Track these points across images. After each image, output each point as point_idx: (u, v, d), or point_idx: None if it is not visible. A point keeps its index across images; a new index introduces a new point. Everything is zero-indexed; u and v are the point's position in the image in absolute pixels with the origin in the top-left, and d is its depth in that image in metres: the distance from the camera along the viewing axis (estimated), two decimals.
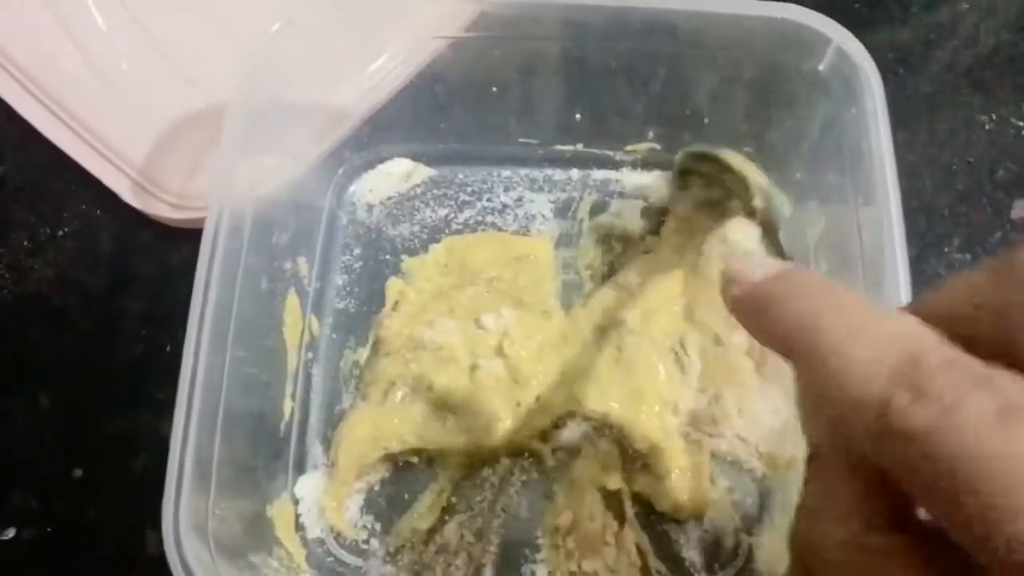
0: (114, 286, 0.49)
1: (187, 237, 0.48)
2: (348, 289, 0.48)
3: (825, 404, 0.18)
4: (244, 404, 0.39)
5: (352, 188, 0.50)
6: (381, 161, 0.51)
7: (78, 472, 0.45)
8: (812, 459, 0.20)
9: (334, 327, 0.47)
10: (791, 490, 0.41)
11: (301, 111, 0.46)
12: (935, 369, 0.16)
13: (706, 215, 0.46)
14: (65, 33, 0.52)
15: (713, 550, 0.42)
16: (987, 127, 0.51)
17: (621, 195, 0.50)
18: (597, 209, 0.50)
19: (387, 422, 0.44)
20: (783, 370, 0.44)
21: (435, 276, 0.47)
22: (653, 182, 0.50)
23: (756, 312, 0.21)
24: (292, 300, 0.45)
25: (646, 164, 0.50)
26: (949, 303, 0.18)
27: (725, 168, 0.43)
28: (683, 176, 0.47)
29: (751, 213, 0.43)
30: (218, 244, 0.37)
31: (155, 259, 0.49)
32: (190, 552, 0.33)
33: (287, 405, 0.44)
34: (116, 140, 0.49)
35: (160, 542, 0.41)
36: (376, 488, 0.44)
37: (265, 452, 0.43)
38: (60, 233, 0.50)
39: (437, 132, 0.50)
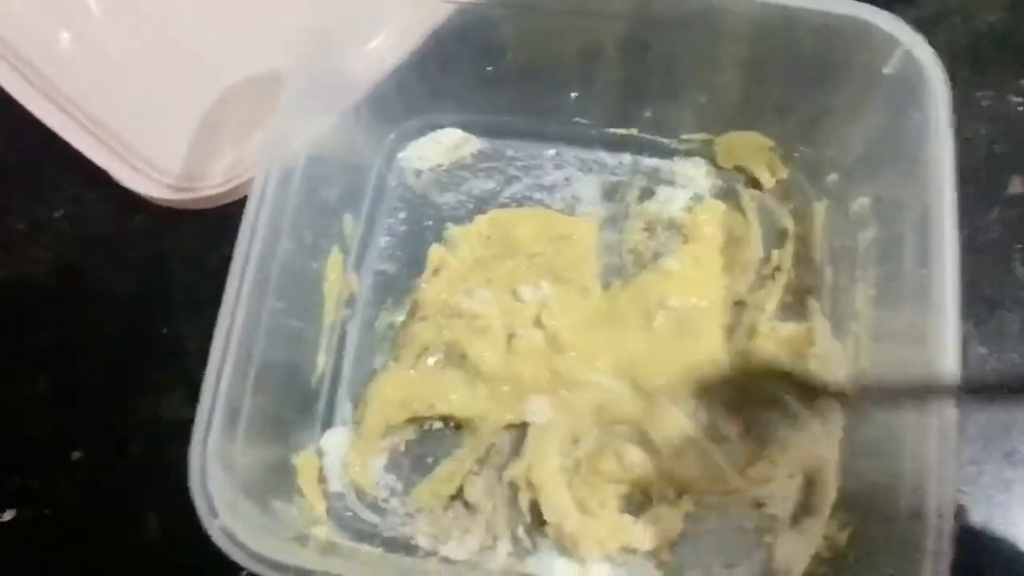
0: (110, 268, 0.49)
1: (184, 219, 0.49)
2: (390, 251, 0.49)
3: None
4: (279, 352, 0.39)
5: (402, 153, 0.51)
6: (433, 129, 0.51)
7: (77, 454, 0.45)
8: None
9: (373, 287, 0.48)
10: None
11: (350, 73, 0.46)
12: None
13: None
14: (58, 15, 0.53)
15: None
16: (983, 104, 0.51)
17: (671, 183, 0.50)
18: (645, 195, 0.49)
19: (417, 386, 0.44)
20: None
21: (478, 247, 0.48)
22: (703, 172, 0.50)
23: None
24: (336, 257, 0.45)
25: (699, 154, 0.50)
26: None
27: None
28: None
29: None
30: (266, 194, 0.38)
31: (152, 241, 0.49)
32: (214, 487, 0.33)
33: (321, 359, 0.44)
34: (111, 122, 0.50)
35: (158, 525, 0.44)
36: (401, 449, 0.45)
37: (295, 403, 0.43)
38: (56, 216, 0.51)
39: (492, 104, 0.50)
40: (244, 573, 0.41)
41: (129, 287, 0.49)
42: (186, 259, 0.49)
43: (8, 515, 0.45)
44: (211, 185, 0.48)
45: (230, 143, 0.50)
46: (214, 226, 0.48)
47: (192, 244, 0.49)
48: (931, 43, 0.39)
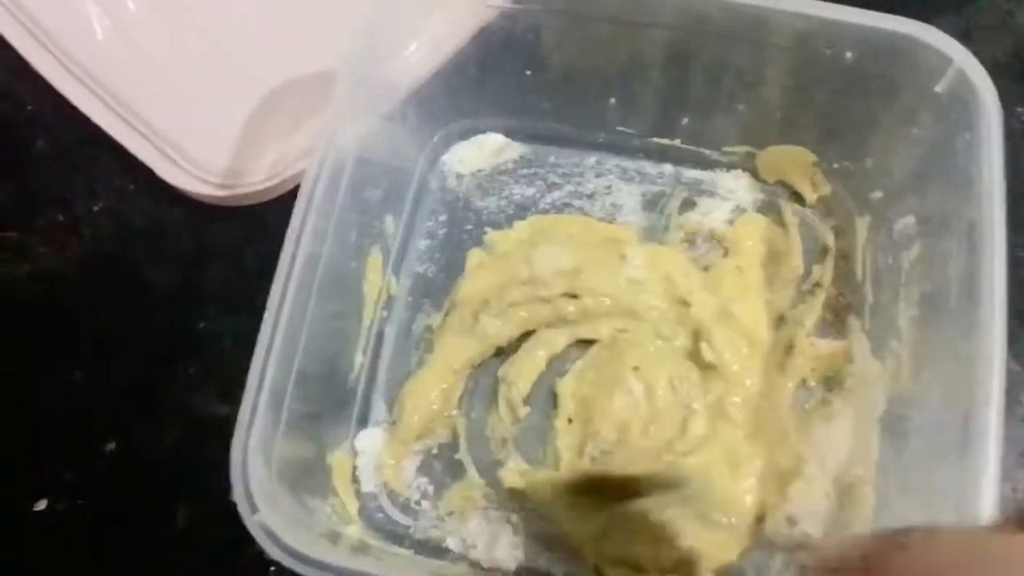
0: (148, 262, 0.50)
1: (220, 216, 0.49)
2: (429, 254, 0.49)
3: None
4: (319, 352, 0.40)
5: (445, 156, 0.51)
6: (476, 133, 0.51)
7: (111, 445, 0.46)
8: None
9: (412, 289, 0.48)
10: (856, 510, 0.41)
11: (396, 75, 0.46)
12: None
13: None
14: (102, 9, 0.53)
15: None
16: None
17: (713, 195, 0.50)
18: (687, 206, 0.49)
19: (452, 387, 0.44)
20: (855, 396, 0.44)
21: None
22: (746, 185, 0.49)
23: None
24: (375, 257, 0.45)
25: (741, 166, 0.50)
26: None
27: None
28: None
29: None
30: (316, 193, 0.38)
31: (189, 236, 0.50)
32: (255, 482, 0.33)
33: (358, 359, 0.45)
34: (151, 116, 0.50)
35: (189, 517, 0.44)
36: (434, 451, 0.45)
37: (332, 401, 0.43)
38: (95, 208, 0.51)
39: (535, 110, 0.50)
40: (273, 569, 0.42)
41: (166, 281, 0.49)
42: (223, 255, 0.49)
43: (41, 505, 0.45)
44: (252, 183, 0.48)
45: (272, 142, 0.50)
46: (251, 223, 0.49)
47: (229, 241, 0.49)
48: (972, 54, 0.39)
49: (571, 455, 0.43)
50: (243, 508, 0.33)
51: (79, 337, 0.48)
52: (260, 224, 0.48)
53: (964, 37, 0.41)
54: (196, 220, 0.50)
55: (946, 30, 0.40)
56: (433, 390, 0.45)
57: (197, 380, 0.47)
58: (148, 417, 0.46)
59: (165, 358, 0.47)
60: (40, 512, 0.45)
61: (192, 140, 0.50)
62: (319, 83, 0.41)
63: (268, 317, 0.36)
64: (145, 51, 0.53)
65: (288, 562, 0.33)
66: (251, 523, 0.33)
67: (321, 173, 0.38)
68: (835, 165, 0.48)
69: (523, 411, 0.44)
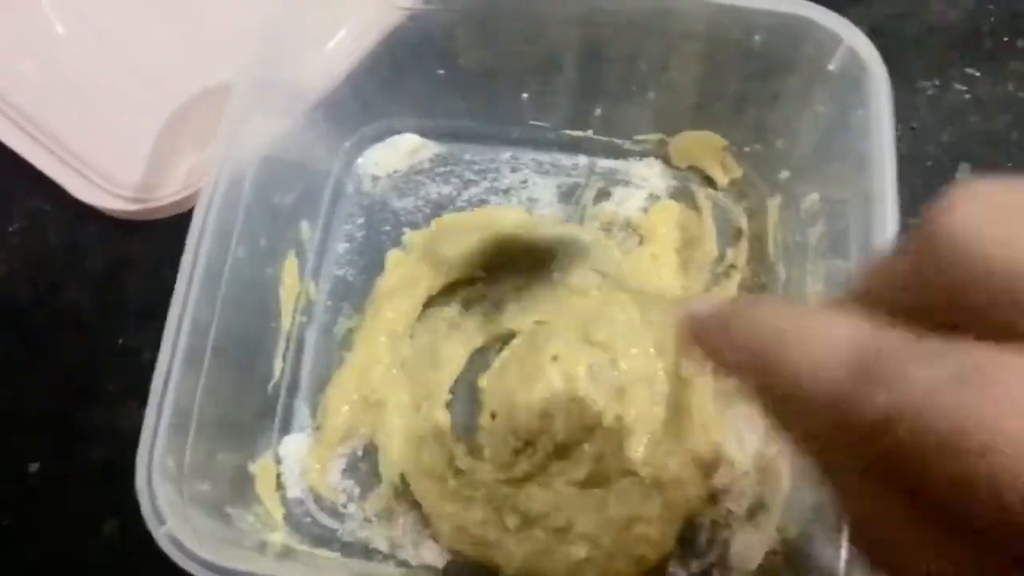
0: (65, 281, 0.49)
1: (137, 230, 0.49)
2: (348, 257, 0.49)
3: (788, 416, 0.19)
4: (233, 357, 0.40)
5: (360, 159, 0.51)
6: (390, 134, 0.51)
7: (34, 465, 0.45)
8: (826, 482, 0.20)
9: (331, 293, 0.48)
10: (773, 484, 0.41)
11: (304, 78, 0.46)
12: (884, 353, 0.16)
13: None
14: (13, 32, 0.53)
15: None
16: (929, 92, 0.52)
17: (627, 184, 0.50)
18: (602, 196, 0.50)
19: (371, 375, 0.45)
20: None
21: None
22: (658, 172, 0.50)
23: (712, 338, 0.21)
24: (291, 262, 0.45)
25: (654, 154, 0.50)
26: (881, 289, 0.18)
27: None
28: None
29: None
30: (215, 197, 0.38)
31: (105, 253, 0.49)
32: (161, 493, 0.33)
33: (278, 365, 0.45)
34: (61, 134, 0.50)
35: (119, 527, 0.43)
36: (359, 453, 0.45)
37: (252, 409, 0.43)
38: (9, 229, 0.50)
39: (448, 109, 0.50)
40: None
41: (85, 298, 0.49)
42: (141, 270, 0.49)
43: None
44: (166, 196, 0.48)
45: (184, 154, 0.50)
46: (168, 237, 0.47)
47: (147, 255, 0.49)
48: (880, 33, 0.40)
49: (495, 450, 0.43)
50: (150, 520, 0.33)
51: (0, 358, 0.48)
52: (176, 237, 0.47)
53: (876, 17, 0.43)
54: (112, 236, 0.49)
55: (857, 12, 0.40)
56: (355, 390, 0.45)
57: (118, 395, 0.46)
58: (71, 434, 0.46)
59: (86, 375, 0.47)
60: None
61: (103, 156, 0.49)
62: (228, 94, 0.40)
63: (169, 326, 0.36)
64: (53, 68, 0.52)
65: (201, 573, 0.33)
66: (159, 534, 0.33)
67: (220, 179, 0.38)
68: (745, 148, 0.48)
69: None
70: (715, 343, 0.21)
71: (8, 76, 0.51)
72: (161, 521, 0.33)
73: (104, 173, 0.49)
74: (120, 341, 0.47)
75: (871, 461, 0.17)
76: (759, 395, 0.20)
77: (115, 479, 0.43)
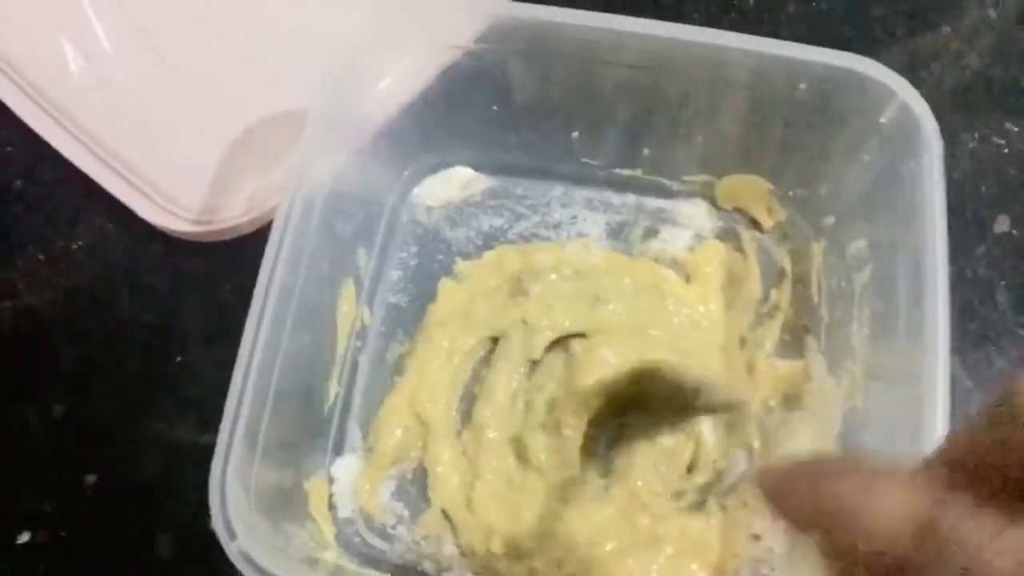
0: (126, 298, 0.51)
1: (197, 252, 0.50)
2: (402, 284, 0.50)
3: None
4: (294, 381, 0.41)
5: (415, 190, 0.52)
6: (445, 167, 0.53)
7: (91, 478, 0.47)
8: None
9: (385, 319, 0.49)
10: None
11: (367, 111, 0.48)
12: (951, 523, 0.17)
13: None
14: (77, 49, 0.55)
15: None
16: (970, 145, 0.53)
17: (674, 223, 0.51)
18: (649, 234, 0.51)
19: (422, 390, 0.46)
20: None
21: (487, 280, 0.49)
22: (704, 213, 0.51)
23: (786, 494, 0.22)
24: (349, 288, 0.47)
25: (700, 195, 0.52)
26: (963, 453, 0.19)
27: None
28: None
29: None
30: (289, 226, 0.39)
31: (167, 272, 0.51)
32: (233, 509, 0.34)
33: (333, 388, 0.46)
34: (128, 154, 0.51)
35: (171, 541, 0.45)
36: (408, 476, 0.46)
37: (308, 430, 0.44)
38: (74, 247, 0.52)
39: (501, 144, 0.52)
40: None
41: (145, 316, 0.50)
42: (200, 290, 0.50)
43: (24, 537, 0.45)
44: (228, 219, 0.50)
45: (247, 178, 0.52)
46: (228, 258, 0.50)
47: (206, 276, 0.51)
48: (919, 84, 0.41)
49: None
50: (222, 535, 0.34)
51: (59, 372, 0.49)
52: (236, 259, 0.49)
53: (915, 67, 0.44)
54: (173, 256, 0.51)
55: (894, 63, 0.42)
56: (406, 414, 0.46)
57: (176, 412, 0.48)
58: (128, 449, 0.47)
59: (144, 391, 0.48)
60: (23, 544, 0.45)
61: (168, 177, 0.51)
62: (293, 120, 0.42)
63: (244, 348, 0.37)
64: (121, 89, 0.54)
65: None
66: (231, 550, 0.34)
67: (293, 208, 0.39)
68: (790, 192, 0.50)
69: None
70: (787, 500, 0.22)
71: (79, 100, 0.53)
72: (232, 536, 0.34)
73: (168, 195, 0.50)
74: (178, 359, 0.49)
75: None
76: (825, 547, 0.21)
77: (170, 494, 0.45)
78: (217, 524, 0.34)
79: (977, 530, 0.17)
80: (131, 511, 0.46)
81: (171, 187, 0.51)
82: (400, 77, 0.47)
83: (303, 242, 0.40)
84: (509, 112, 0.50)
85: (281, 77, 0.52)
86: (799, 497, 0.21)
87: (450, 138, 0.51)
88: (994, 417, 0.18)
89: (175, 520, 0.45)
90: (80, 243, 0.52)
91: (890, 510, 0.19)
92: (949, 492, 0.18)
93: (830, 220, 0.48)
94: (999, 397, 0.18)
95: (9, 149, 0.54)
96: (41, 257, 0.52)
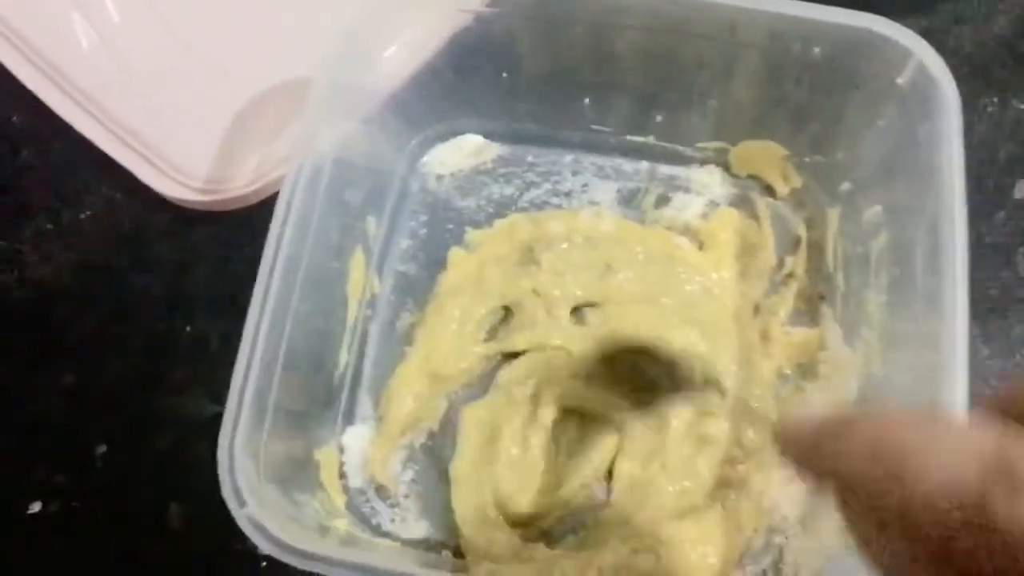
0: (135, 268, 0.50)
1: (205, 221, 0.50)
2: (411, 253, 0.50)
3: (905, 518, 0.19)
4: (303, 350, 0.41)
5: (425, 158, 0.52)
6: (455, 135, 0.52)
7: (102, 448, 0.47)
8: None
9: (395, 288, 0.49)
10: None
11: (373, 78, 0.47)
12: (1017, 463, 0.17)
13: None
14: (86, 19, 0.54)
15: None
16: (989, 110, 0.52)
17: (687, 190, 0.51)
18: (662, 201, 0.50)
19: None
20: None
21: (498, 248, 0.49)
22: (719, 180, 0.51)
23: (817, 447, 0.22)
24: (358, 257, 0.46)
25: (714, 162, 0.51)
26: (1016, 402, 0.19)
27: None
28: None
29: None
30: (295, 195, 0.39)
31: (175, 242, 0.51)
32: (242, 477, 0.34)
33: (343, 357, 0.46)
34: (135, 124, 0.51)
35: (182, 512, 0.45)
36: (418, 446, 0.46)
37: (318, 399, 0.44)
38: (82, 216, 0.52)
39: (512, 111, 0.51)
40: (264, 565, 0.43)
41: (153, 287, 0.50)
42: (208, 260, 0.50)
43: (35, 507, 0.46)
44: (235, 188, 0.49)
45: (254, 147, 0.51)
46: (235, 228, 0.50)
47: (214, 246, 0.50)
48: (939, 49, 0.40)
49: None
50: (231, 503, 0.34)
51: (69, 342, 0.49)
52: (244, 229, 0.49)
53: (935, 32, 0.43)
54: (181, 226, 0.51)
55: (917, 24, 0.41)
56: (417, 383, 0.46)
57: (185, 382, 0.48)
58: (138, 419, 0.47)
59: (153, 362, 0.48)
60: (34, 515, 0.45)
61: (175, 146, 0.51)
62: (300, 89, 0.41)
63: (251, 317, 0.37)
64: (129, 60, 0.53)
65: (278, 554, 0.34)
66: (239, 516, 0.34)
67: (300, 176, 0.39)
68: (806, 158, 0.49)
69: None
70: (826, 453, 0.21)
71: (85, 68, 0.52)
72: (242, 503, 0.34)
73: (175, 164, 0.50)
74: (187, 329, 0.49)
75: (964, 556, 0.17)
76: (857, 505, 0.20)
77: (181, 465, 0.45)
78: (226, 491, 0.34)
79: None
80: (142, 481, 0.46)
81: (177, 156, 0.50)
82: (408, 44, 0.46)
83: (310, 210, 0.40)
84: (519, 78, 0.49)
85: (289, 47, 0.52)
86: (844, 446, 0.21)
87: (459, 106, 0.51)
88: None
89: (186, 490, 0.45)
90: (88, 213, 0.52)
91: (955, 451, 0.18)
92: (1011, 431, 0.18)
93: (846, 186, 0.47)
94: None
95: (16, 119, 0.54)
96: (49, 227, 0.52)
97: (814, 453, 0.22)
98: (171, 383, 0.48)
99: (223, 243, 0.50)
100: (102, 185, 0.52)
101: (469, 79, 0.49)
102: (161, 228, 0.51)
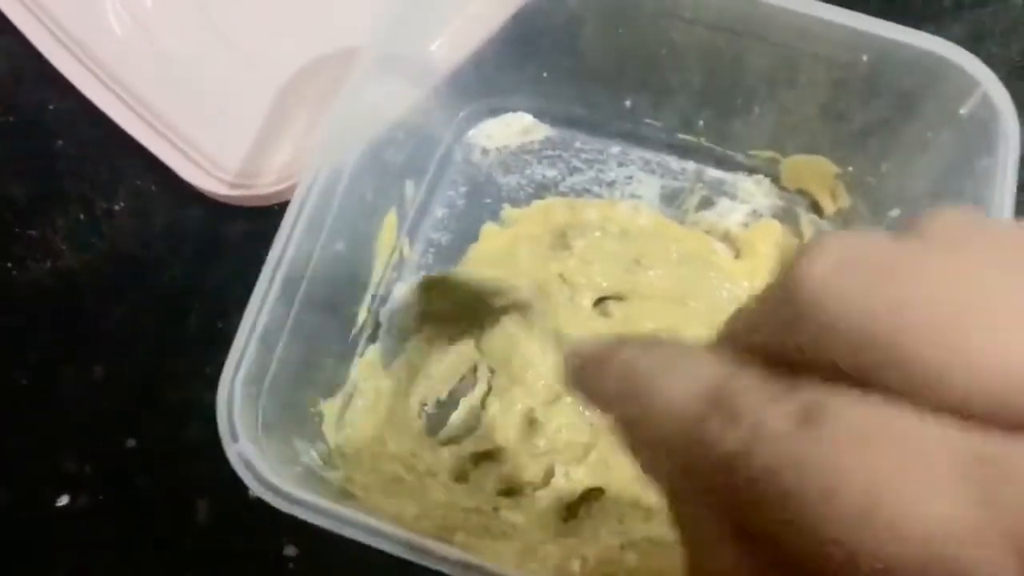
0: (168, 261, 0.50)
1: (238, 215, 0.49)
2: (445, 223, 0.50)
3: (642, 440, 0.19)
4: (323, 299, 0.41)
5: (472, 131, 0.52)
6: (505, 111, 0.52)
7: (131, 442, 0.46)
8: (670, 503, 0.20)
9: (424, 254, 0.49)
10: None
11: (425, 55, 0.47)
12: (738, 391, 0.17)
13: None
14: (121, 7, 0.53)
15: None
16: None
17: (732, 197, 0.50)
18: (704, 204, 0.50)
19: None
20: None
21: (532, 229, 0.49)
22: (765, 190, 0.50)
23: (591, 374, 0.21)
24: (391, 218, 0.46)
25: (764, 171, 0.50)
26: (741, 332, 0.18)
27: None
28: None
29: None
30: (328, 151, 0.39)
31: (209, 235, 0.50)
32: (239, 410, 0.35)
33: (362, 314, 0.46)
34: (170, 115, 0.50)
35: (210, 511, 0.44)
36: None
37: (331, 351, 0.45)
38: (116, 208, 0.51)
39: (565, 95, 0.50)
40: (291, 567, 0.42)
41: (186, 280, 0.49)
42: (241, 253, 0.49)
43: (63, 500, 0.45)
44: (269, 183, 0.49)
45: (288, 142, 0.51)
46: (270, 223, 0.48)
47: (248, 240, 0.49)
48: (983, 58, 0.39)
49: None
50: (225, 437, 0.34)
51: (99, 334, 0.49)
52: (277, 224, 0.48)
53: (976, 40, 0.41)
54: (216, 220, 0.50)
55: (960, 33, 0.39)
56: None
57: (216, 376, 0.47)
58: (168, 413, 0.47)
59: (184, 355, 0.48)
60: (63, 507, 0.45)
61: (210, 139, 0.50)
62: (336, 85, 0.40)
63: (271, 258, 0.37)
64: (164, 49, 0.53)
65: (263, 493, 0.34)
66: (230, 452, 0.34)
67: (333, 132, 0.39)
68: (857, 179, 0.48)
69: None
70: (593, 379, 0.21)
71: (123, 58, 0.52)
72: (235, 438, 0.34)
73: (210, 157, 0.49)
74: (219, 324, 0.48)
75: (716, 497, 0.17)
76: (625, 432, 0.20)
77: (210, 460, 0.45)
78: (221, 425, 0.35)
79: (760, 394, 0.16)
80: (171, 475, 0.46)
81: (212, 149, 0.50)
82: (467, 21, 0.46)
83: (345, 163, 0.40)
84: (577, 63, 0.49)
85: (324, 41, 0.51)
86: (605, 372, 0.20)
87: (514, 83, 0.50)
88: (763, 305, 0.17)
89: (215, 486, 0.44)
90: (121, 204, 0.51)
91: (687, 376, 0.18)
92: (742, 361, 0.17)
93: (895, 212, 0.46)
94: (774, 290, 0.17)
95: (51, 107, 0.53)
96: (82, 218, 0.51)
97: (586, 383, 0.22)
98: (202, 377, 0.46)
99: (256, 237, 0.48)
100: (136, 176, 0.51)
101: (527, 58, 0.49)
102: (194, 221, 0.50)
